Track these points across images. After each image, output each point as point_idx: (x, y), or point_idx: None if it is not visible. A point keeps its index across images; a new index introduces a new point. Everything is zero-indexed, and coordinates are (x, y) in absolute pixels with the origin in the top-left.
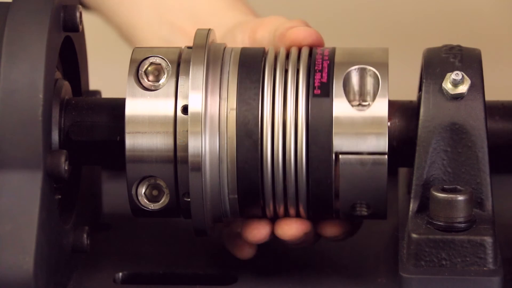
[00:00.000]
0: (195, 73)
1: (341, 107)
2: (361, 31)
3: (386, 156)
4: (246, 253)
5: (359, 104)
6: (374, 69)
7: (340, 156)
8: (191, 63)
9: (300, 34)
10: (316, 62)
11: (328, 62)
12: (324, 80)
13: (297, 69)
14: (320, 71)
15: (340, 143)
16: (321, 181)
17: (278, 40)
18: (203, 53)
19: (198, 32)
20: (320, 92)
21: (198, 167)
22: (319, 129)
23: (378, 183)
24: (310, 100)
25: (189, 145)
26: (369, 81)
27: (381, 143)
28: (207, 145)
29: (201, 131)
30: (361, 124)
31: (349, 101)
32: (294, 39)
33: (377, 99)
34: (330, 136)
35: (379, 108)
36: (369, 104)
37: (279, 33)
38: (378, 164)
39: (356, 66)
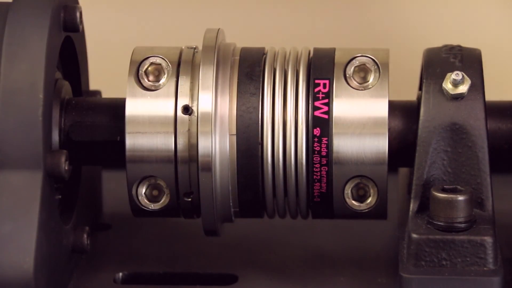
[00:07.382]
0: (205, 73)
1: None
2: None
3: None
4: None
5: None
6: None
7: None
8: (201, 63)
9: None
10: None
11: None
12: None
13: (297, 69)
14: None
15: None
16: None
17: None
18: (213, 53)
19: (208, 32)
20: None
21: (208, 167)
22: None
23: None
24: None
25: (199, 145)
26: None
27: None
28: (217, 145)
29: (211, 131)
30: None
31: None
32: None
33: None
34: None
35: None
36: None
37: None
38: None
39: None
